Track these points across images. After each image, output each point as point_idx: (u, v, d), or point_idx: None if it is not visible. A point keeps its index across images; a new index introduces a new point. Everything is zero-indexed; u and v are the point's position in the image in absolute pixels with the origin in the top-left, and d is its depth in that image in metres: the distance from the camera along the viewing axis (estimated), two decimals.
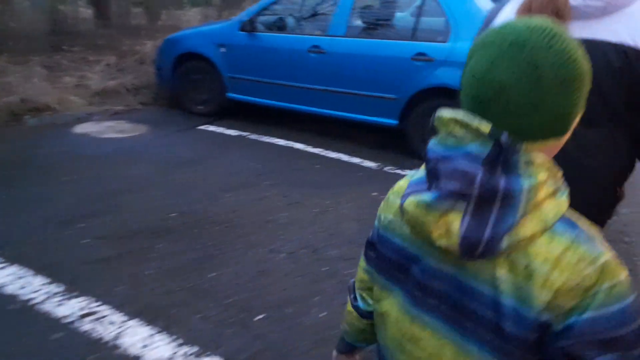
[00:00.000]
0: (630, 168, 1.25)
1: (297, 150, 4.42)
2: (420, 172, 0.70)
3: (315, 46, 4.51)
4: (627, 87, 1.10)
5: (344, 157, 4.29)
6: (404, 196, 0.67)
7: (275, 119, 5.10)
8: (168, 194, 3.37)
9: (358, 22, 4.54)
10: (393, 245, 0.74)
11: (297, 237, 2.90)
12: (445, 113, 0.64)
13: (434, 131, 0.66)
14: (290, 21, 4.92)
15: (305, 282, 2.48)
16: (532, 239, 0.60)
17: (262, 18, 4.85)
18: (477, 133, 0.60)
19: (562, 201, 0.62)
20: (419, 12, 4.24)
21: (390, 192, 0.80)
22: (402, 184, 0.78)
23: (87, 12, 7.62)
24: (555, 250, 0.60)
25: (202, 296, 2.32)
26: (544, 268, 0.59)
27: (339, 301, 2.33)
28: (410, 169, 4.27)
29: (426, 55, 4.08)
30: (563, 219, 0.62)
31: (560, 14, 1.08)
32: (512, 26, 0.61)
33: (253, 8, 4.85)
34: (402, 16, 4.49)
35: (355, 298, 0.93)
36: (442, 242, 0.62)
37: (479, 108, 0.61)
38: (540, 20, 0.61)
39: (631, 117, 1.15)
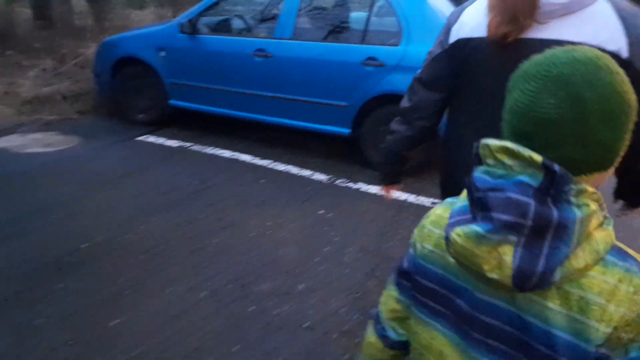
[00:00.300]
0: None
1: (243, 162, 4.07)
2: (461, 200, 0.68)
3: (260, 49, 4.17)
4: None
5: (294, 170, 3.97)
6: (449, 227, 0.65)
7: (222, 127, 4.74)
8: (84, 219, 2.98)
9: (305, 24, 4.22)
10: (434, 276, 0.72)
11: (225, 268, 2.57)
12: (493, 142, 0.63)
13: (478, 160, 0.65)
14: (233, 23, 4.57)
15: (225, 326, 2.15)
16: (584, 270, 0.59)
17: (203, 19, 4.48)
18: (527, 163, 0.59)
19: (610, 231, 0.62)
20: (370, 14, 3.95)
21: (425, 220, 0.77)
22: (440, 213, 0.75)
23: (25, 12, 7.07)
24: (609, 281, 0.59)
25: (98, 350, 1.96)
26: (599, 300, 0.59)
27: (262, 349, 2.01)
28: (363, 181, 4.00)
29: (377, 60, 3.79)
30: (613, 249, 0.62)
31: (532, 11, 1.10)
32: (555, 58, 0.60)
33: (193, 9, 4.47)
34: (352, 18, 4.20)
35: (383, 329, 0.86)
36: (494, 275, 0.60)
37: (524, 141, 0.61)
38: (584, 52, 0.61)
39: None
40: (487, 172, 0.62)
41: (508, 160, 0.61)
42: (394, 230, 3.08)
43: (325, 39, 4.09)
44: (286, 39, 4.11)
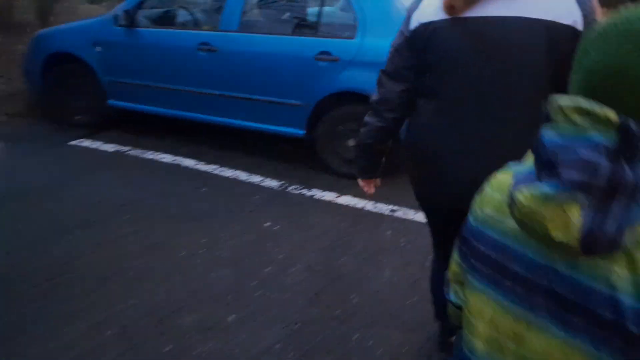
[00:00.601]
0: None
1: (185, 168, 3.68)
2: (526, 163, 0.68)
3: (205, 43, 3.78)
4: (556, 62, 1.12)
5: (242, 176, 3.60)
6: (514, 187, 0.63)
7: (166, 129, 4.33)
8: None
9: (253, 16, 3.86)
10: (491, 240, 0.71)
11: (143, 298, 2.18)
12: (564, 100, 0.61)
13: (547, 119, 0.63)
14: (175, 14, 4.16)
15: None
16: None
17: (142, 11, 4.05)
18: (600, 121, 0.57)
19: None
20: (322, 4, 3.60)
21: (486, 186, 0.77)
22: (502, 178, 0.75)
23: None
24: None
25: None
26: None
27: None
28: (319, 187, 3.65)
29: (330, 54, 3.45)
30: None
31: None
32: (632, 15, 0.60)
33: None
34: (303, 8, 3.84)
35: (448, 291, 0.88)
36: (559, 236, 0.58)
37: (602, 98, 0.59)
38: None
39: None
40: (556, 131, 0.61)
41: (580, 119, 0.59)
42: (346, 244, 2.75)
43: (274, 31, 3.73)
44: (232, 32, 3.73)
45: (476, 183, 1.32)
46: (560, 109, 0.61)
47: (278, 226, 2.90)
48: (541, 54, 1.13)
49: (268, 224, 2.92)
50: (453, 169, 1.27)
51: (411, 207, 3.22)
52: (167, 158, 3.81)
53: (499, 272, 0.69)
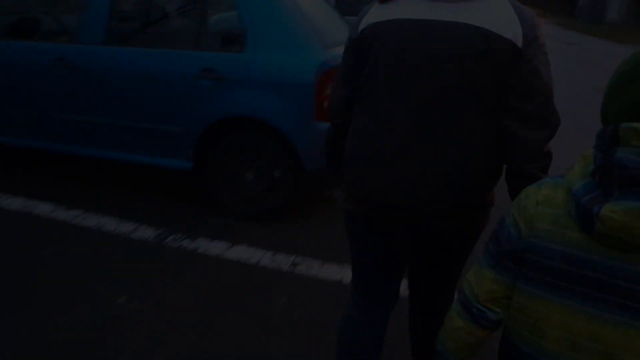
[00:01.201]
0: (499, 169, 1.26)
1: (36, 217, 2.90)
2: (576, 179, 0.74)
3: (61, 59, 3.02)
4: (491, 74, 1.12)
5: (109, 225, 2.87)
6: (591, 204, 0.69)
7: (21, 164, 3.52)
8: None
9: (122, 24, 3.13)
10: (554, 251, 0.76)
11: None
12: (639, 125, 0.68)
13: (614, 141, 0.69)
14: (24, 22, 3.36)
15: None
16: None
17: None
18: None
19: None
20: (204, 11, 2.94)
21: (527, 201, 0.81)
22: (548, 194, 0.79)
23: None
24: None
25: None
26: None
27: None
28: (207, 235, 2.94)
29: (215, 72, 2.80)
30: None
31: None
32: None
33: None
34: (182, 15, 3.18)
35: (480, 311, 0.88)
36: None
37: None
38: None
39: (497, 107, 1.16)
40: (635, 153, 0.66)
41: None
42: (221, 325, 2.10)
43: (147, 44, 3.02)
44: (96, 44, 3.00)
45: (408, 193, 1.16)
46: (637, 132, 0.67)
47: (135, 302, 2.21)
48: (480, 62, 1.11)
49: (122, 299, 2.23)
50: (386, 176, 1.21)
51: (317, 256, 2.63)
52: (16, 203, 3.02)
53: (566, 279, 0.74)
